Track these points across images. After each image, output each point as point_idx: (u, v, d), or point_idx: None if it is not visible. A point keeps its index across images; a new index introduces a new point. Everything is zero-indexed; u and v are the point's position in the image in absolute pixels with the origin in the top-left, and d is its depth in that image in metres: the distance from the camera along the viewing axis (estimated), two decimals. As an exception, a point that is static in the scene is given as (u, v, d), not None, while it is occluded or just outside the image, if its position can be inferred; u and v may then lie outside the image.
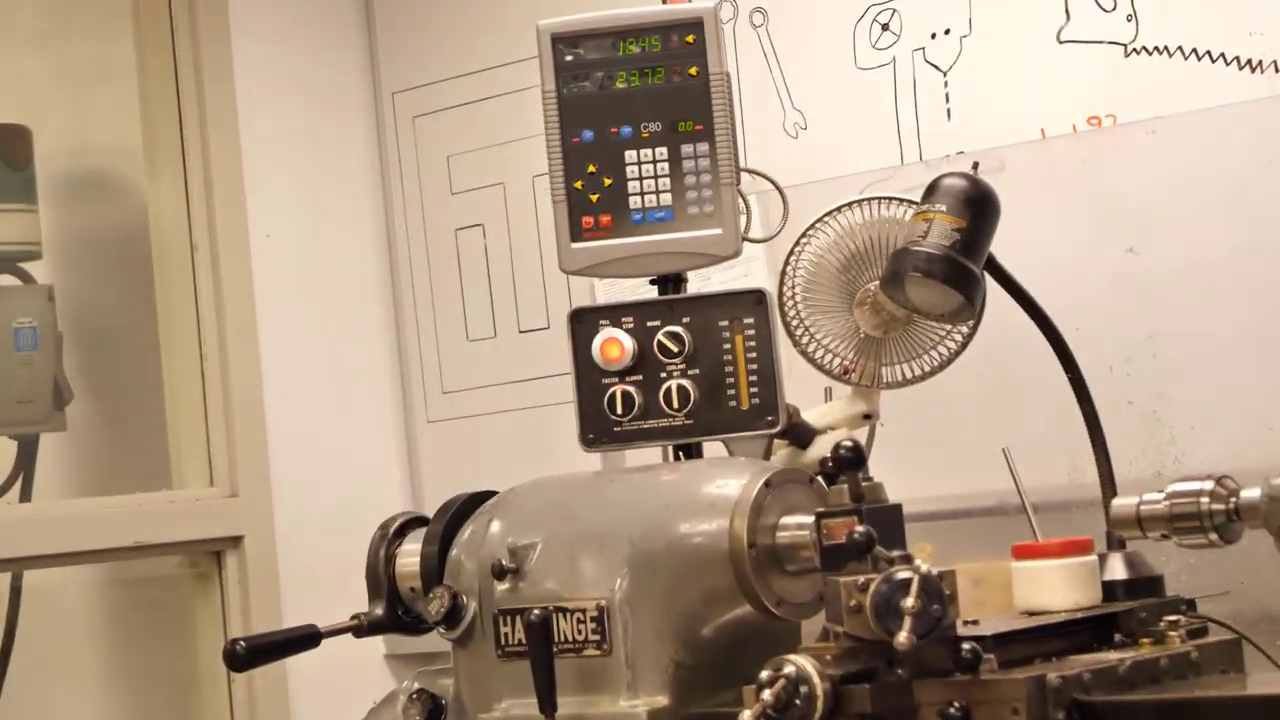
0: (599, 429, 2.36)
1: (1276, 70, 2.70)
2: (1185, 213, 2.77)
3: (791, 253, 2.50)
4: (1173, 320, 2.78)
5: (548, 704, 2.06)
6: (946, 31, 3.01)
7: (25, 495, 3.65)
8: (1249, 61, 2.72)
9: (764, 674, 1.87)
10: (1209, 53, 2.76)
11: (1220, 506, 1.99)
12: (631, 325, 2.35)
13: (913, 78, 3.05)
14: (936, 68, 3.03)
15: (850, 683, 1.88)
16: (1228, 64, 2.74)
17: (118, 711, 3.84)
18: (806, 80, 3.16)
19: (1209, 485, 2.00)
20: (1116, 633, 2.16)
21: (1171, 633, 2.14)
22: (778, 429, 2.33)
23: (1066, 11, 2.89)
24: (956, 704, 1.85)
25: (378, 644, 3.51)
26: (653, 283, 2.41)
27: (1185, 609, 2.22)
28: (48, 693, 3.81)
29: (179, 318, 3.55)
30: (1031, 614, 2.17)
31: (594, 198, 2.38)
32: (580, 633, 2.10)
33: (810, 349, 2.49)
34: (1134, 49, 2.83)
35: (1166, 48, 2.80)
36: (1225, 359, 2.73)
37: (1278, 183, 2.69)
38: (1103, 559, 2.27)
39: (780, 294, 2.49)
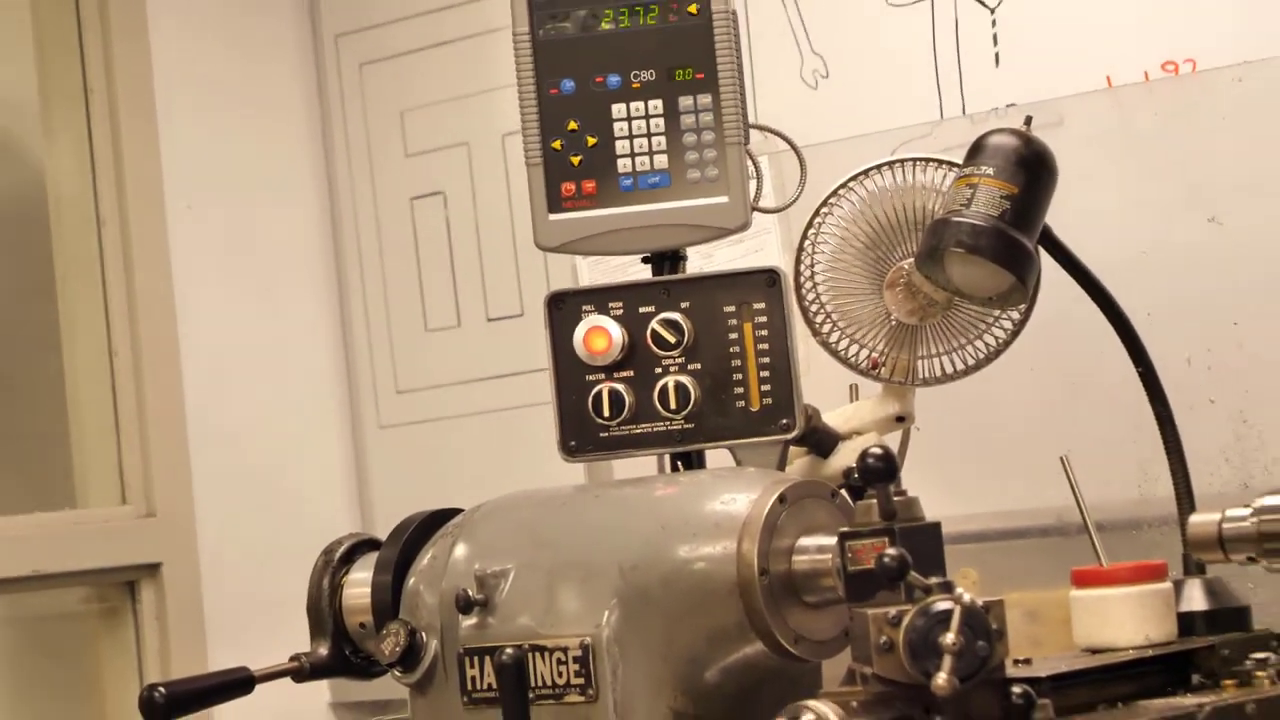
0: (582, 435, 2.37)
1: (1386, 7, 2.72)
2: (1277, 176, 2.79)
3: (810, 225, 2.52)
4: (1262, 303, 2.79)
5: (523, 760, 2.08)
6: (995, -40, 3.04)
7: (-99, 516, 3.68)
8: (1353, -4, 2.75)
9: (779, 723, 1.89)
10: (1306, -15, 2.78)
11: (1318, 524, 2.01)
12: (621, 312, 2.37)
13: (954, 16, 3.06)
14: (983, 4, 3.05)
15: (880, 733, 1.90)
16: (1328, -1, 2.76)
17: (12, 773, 3.86)
18: (828, 19, 3.18)
19: (1304, 499, 2.03)
20: (1195, 674, 2.18)
21: (1260, 673, 2.16)
22: (794, 434, 2.35)
23: (1137, -64, 2.91)
24: (1006, 758, 1.87)
25: (322, 690, 3.53)
26: (645, 261, 2.43)
27: (1277, 645, 2.25)
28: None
29: (83, 305, 3.56)
30: (1094, 652, 2.19)
31: (575, 160, 2.40)
32: (561, 676, 2.12)
33: (833, 339, 2.51)
34: (1218, -20, 2.86)
35: (1257, -22, 2.83)
36: (1325, 349, 2.75)
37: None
38: (1178, 586, 2.30)
39: (797, 274, 2.51)
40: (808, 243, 2.52)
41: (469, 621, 2.18)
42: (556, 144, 2.40)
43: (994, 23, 3.04)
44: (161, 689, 2.30)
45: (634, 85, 2.39)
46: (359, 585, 2.33)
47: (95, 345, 3.55)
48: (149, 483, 3.52)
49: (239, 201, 3.68)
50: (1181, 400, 2.50)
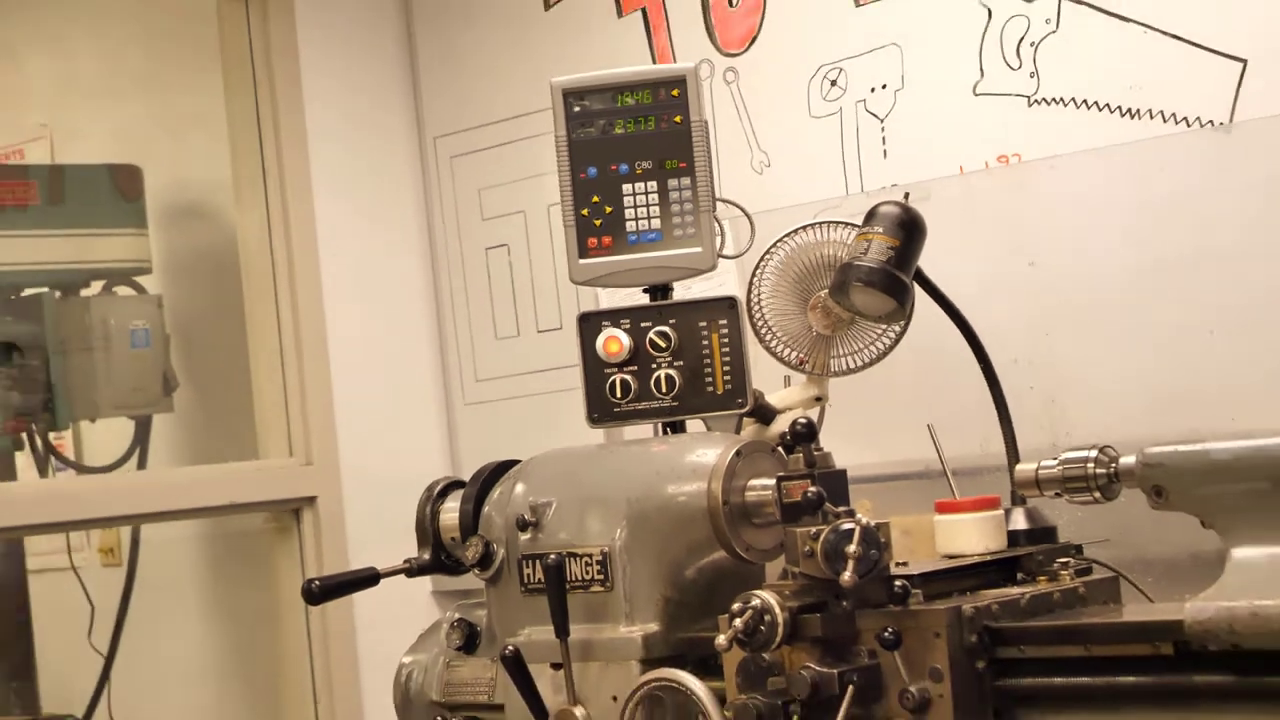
0: (602, 409, 2.38)
1: (1150, 117, 2.71)
2: (1077, 233, 2.78)
3: (757, 267, 2.52)
4: (1065, 321, 2.78)
5: (561, 630, 2.08)
6: (884, 86, 3.02)
7: (141, 464, 3.69)
8: (1129, 110, 2.73)
9: (735, 605, 1.89)
10: (1096, 103, 2.77)
11: (1103, 471, 2.01)
12: (628, 325, 2.37)
13: (856, 124, 3.06)
14: (876, 116, 3.04)
15: (805, 613, 1.90)
16: (1112, 112, 2.75)
17: (216, 640, 3.86)
18: (770, 126, 3.17)
19: (1094, 454, 2.02)
20: (1019, 572, 2.18)
21: (1063, 572, 2.17)
22: (746, 409, 2.35)
23: (981, 69, 2.90)
24: (890, 630, 1.87)
25: (425, 583, 3.52)
26: (645, 291, 2.43)
27: (1074, 553, 2.25)
28: (161, 624, 3.83)
29: (263, 320, 3.56)
30: (951, 557, 2.19)
31: (597, 222, 2.40)
32: (588, 573, 2.12)
33: (772, 344, 2.51)
34: (1036, 100, 2.84)
35: (1062, 98, 2.81)
36: (1108, 352, 2.73)
37: (1150, 208, 2.71)
38: (1008, 513, 2.29)
39: (748, 300, 2.51)
40: (755, 279, 2.51)
41: (525, 537, 2.19)
42: (584, 212, 2.40)
43: (883, 129, 3.03)
44: (317, 582, 2.31)
45: (638, 171, 2.39)
46: (451, 511, 2.33)
47: (271, 349, 3.54)
48: (308, 441, 3.50)
49: (370, 250, 3.66)
50: (1010, 387, 2.50)
